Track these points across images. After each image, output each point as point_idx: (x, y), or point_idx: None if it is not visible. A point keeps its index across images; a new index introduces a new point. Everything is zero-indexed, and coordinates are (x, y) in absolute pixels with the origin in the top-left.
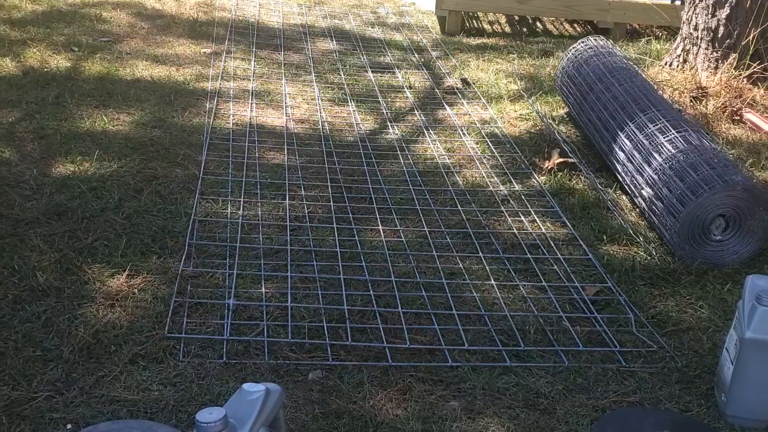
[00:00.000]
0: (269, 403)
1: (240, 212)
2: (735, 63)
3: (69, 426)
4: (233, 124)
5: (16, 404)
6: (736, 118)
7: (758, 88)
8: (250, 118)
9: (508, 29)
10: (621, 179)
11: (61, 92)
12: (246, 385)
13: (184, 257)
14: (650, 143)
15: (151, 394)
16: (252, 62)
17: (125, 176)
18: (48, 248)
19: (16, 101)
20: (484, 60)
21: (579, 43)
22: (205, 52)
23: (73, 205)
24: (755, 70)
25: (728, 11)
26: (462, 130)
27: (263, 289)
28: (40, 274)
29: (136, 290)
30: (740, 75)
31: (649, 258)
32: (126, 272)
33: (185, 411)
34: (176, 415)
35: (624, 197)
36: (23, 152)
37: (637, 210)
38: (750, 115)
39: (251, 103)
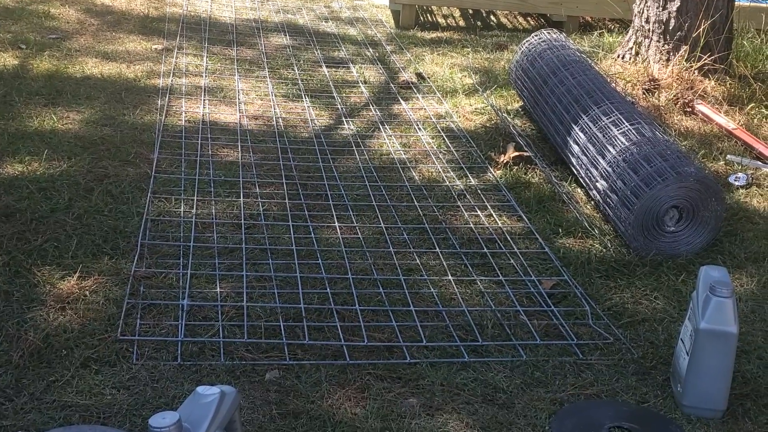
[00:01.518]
0: (224, 406)
1: (193, 211)
2: (686, 55)
3: None
4: (186, 121)
5: None
6: (687, 109)
7: (709, 79)
8: (203, 115)
9: (462, 23)
10: (576, 172)
11: (8, 90)
12: (200, 388)
13: (136, 258)
14: (604, 136)
15: (104, 398)
16: (204, 58)
17: (75, 176)
18: None
19: None
20: (438, 54)
21: (533, 37)
22: (156, 49)
23: (22, 206)
24: (706, 61)
25: (679, 4)
26: (417, 125)
27: (218, 288)
28: None
29: (87, 292)
30: (691, 67)
31: (604, 250)
32: (77, 274)
33: (139, 415)
34: (130, 419)
35: (579, 190)
36: None
37: (592, 203)
38: (701, 107)
39: (204, 100)
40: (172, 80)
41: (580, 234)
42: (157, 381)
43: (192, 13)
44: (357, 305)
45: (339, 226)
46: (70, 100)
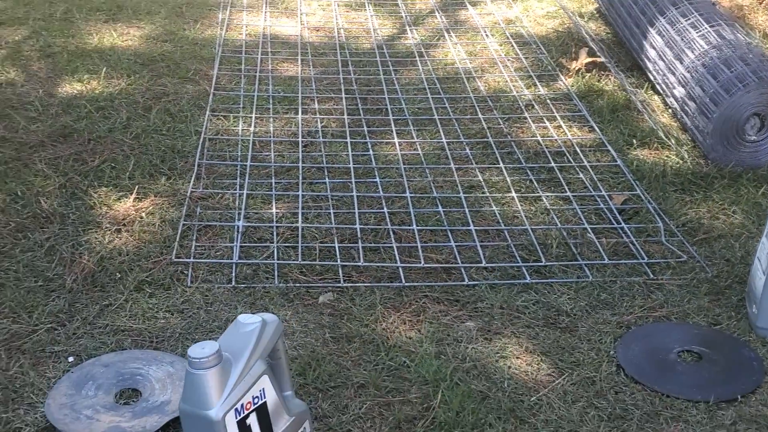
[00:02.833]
0: (266, 335)
1: (251, 129)
2: None
3: (71, 358)
4: (246, 35)
5: (16, 338)
6: None
7: None
8: (264, 28)
9: None
10: (652, 79)
11: (69, 7)
12: (241, 317)
13: (193, 178)
14: (682, 39)
15: (157, 322)
16: None
17: (134, 94)
18: (53, 172)
19: (23, 18)
20: None
21: None
22: None
23: (80, 126)
24: None
25: None
26: (485, 32)
27: (274, 209)
28: (44, 199)
29: (143, 214)
30: None
31: (680, 162)
32: (133, 195)
33: (192, 339)
34: (182, 343)
35: (656, 98)
36: (29, 72)
37: (669, 111)
38: None
39: (265, 12)
40: None
41: (655, 145)
42: (211, 304)
43: None
44: (414, 225)
45: (398, 142)
46: (131, 16)
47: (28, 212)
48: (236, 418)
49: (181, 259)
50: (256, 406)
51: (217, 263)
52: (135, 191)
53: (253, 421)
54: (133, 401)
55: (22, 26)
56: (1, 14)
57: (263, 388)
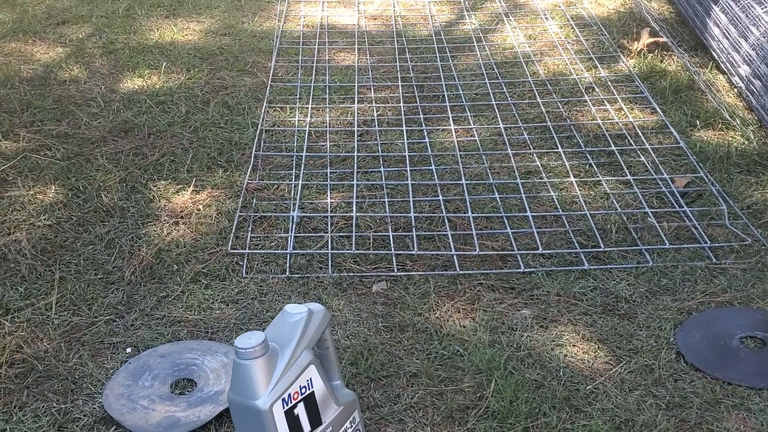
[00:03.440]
0: (312, 325)
1: (307, 119)
2: None
3: (129, 350)
4: (303, 26)
5: (76, 329)
6: None
7: None
8: (321, 19)
9: None
10: (717, 57)
11: (131, 4)
12: (288, 307)
13: (249, 170)
14: (747, 16)
15: (212, 313)
16: None
17: (193, 88)
18: (113, 167)
19: (87, 16)
20: None
21: None
22: None
23: (140, 121)
24: None
25: None
26: (545, 14)
27: (328, 199)
28: (105, 194)
29: (200, 206)
30: None
31: (746, 143)
32: (191, 188)
33: (247, 329)
34: (237, 334)
35: (720, 77)
36: (92, 69)
37: (735, 91)
38: None
39: (323, 2)
40: None
41: (719, 126)
42: (265, 294)
43: None
44: (470, 212)
45: (455, 129)
46: (191, 11)
47: (90, 206)
48: (284, 407)
49: (236, 251)
50: (303, 395)
51: (272, 254)
52: (193, 184)
53: (300, 410)
54: (188, 391)
55: (86, 24)
56: (65, 12)
57: (311, 378)
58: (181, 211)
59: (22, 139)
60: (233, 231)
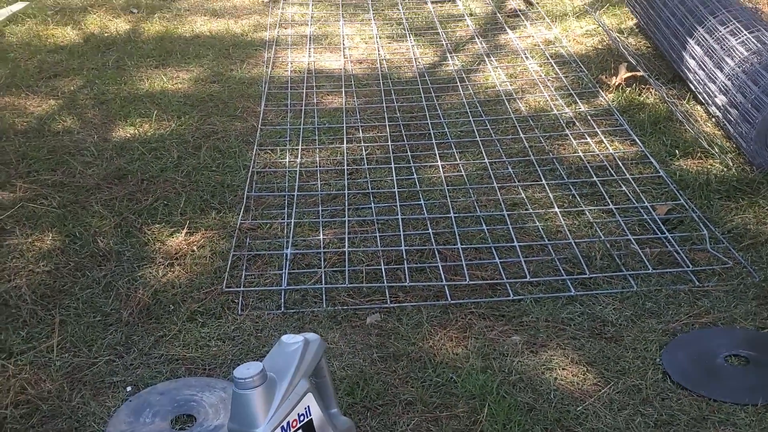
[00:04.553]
0: (309, 354)
1: (298, 160)
2: None
3: (129, 388)
4: (291, 71)
5: (77, 370)
6: None
7: None
8: (308, 64)
9: None
10: (693, 89)
11: (120, 56)
12: (284, 337)
13: (242, 210)
14: (721, 47)
15: (209, 350)
16: (310, 6)
17: (184, 134)
18: (108, 213)
19: (78, 69)
20: None
21: None
22: (262, 1)
23: (133, 167)
24: None
25: None
26: (525, 54)
27: (321, 235)
28: (101, 239)
29: (195, 247)
30: None
31: (725, 170)
32: (185, 230)
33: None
34: (234, 369)
35: (698, 108)
36: (84, 119)
37: (712, 120)
38: None
39: (309, 48)
40: (278, 32)
41: (698, 154)
42: (261, 330)
43: None
44: (459, 244)
45: (442, 165)
46: (180, 60)
47: (86, 251)
48: None
49: (231, 289)
50: (302, 423)
51: (267, 290)
52: (186, 226)
53: None
54: (188, 426)
55: (77, 76)
56: (57, 66)
57: (308, 406)
58: (175, 253)
59: (19, 189)
60: (228, 270)
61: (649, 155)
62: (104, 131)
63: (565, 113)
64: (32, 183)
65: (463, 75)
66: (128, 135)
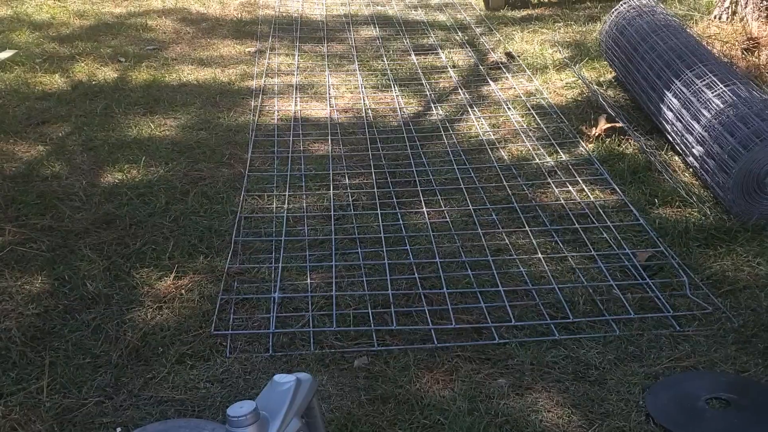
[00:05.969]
0: (301, 393)
1: (285, 206)
2: None
3: (118, 429)
4: (278, 119)
5: (67, 411)
6: None
7: None
8: (295, 112)
9: None
10: (671, 140)
11: (108, 103)
12: (277, 377)
13: (230, 254)
14: (698, 100)
15: (198, 392)
16: (296, 57)
17: (172, 180)
18: (97, 257)
19: (66, 116)
20: (528, 32)
21: (621, 5)
22: (249, 51)
23: (121, 212)
24: None
25: None
26: (507, 105)
27: (308, 279)
28: (90, 282)
29: (183, 291)
30: None
31: (703, 218)
32: (173, 274)
33: None
34: (223, 411)
35: (676, 158)
36: (73, 165)
37: (690, 170)
38: None
39: (295, 97)
40: (264, 81)
41: (677, 203)
42: (249, 373)
43: (284, 14)
44: (445, 288)
45: (427, 211)
46: (167, 108)
47: (75, 295)
48: None
49: (219, 332)
50: None
51: (255, 334)
52: (175, 270)
53: None
54: None
55: (65, 123)
56: (45, 113)
57: None
58: (164, 296)
59: (8, 233)
60: (216, 313)
61: (629, 203)
62: (93, 177)
63: (547, 162)
64: (21, 227)
65: (447, 124)
66: (116, 180)
